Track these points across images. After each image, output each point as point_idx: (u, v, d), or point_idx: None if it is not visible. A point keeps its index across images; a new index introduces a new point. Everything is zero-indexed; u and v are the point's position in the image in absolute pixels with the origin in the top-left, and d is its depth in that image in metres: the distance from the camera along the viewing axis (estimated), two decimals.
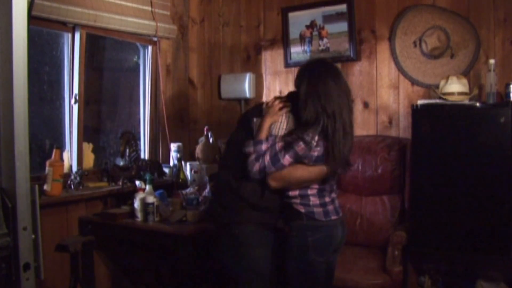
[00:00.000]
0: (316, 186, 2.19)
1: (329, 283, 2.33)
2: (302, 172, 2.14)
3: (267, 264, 2.27)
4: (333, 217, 2.22)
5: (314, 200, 2.18)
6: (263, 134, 2.16)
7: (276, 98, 2.25)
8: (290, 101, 2.24)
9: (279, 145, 2.12)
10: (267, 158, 2.11)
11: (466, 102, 2.92)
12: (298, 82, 2.20)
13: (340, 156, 2.12)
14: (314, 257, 2.18)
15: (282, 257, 2.25)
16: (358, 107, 3.58)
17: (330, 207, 2.22)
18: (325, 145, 2.11)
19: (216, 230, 2.35)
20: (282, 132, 2.17)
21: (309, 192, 2.18)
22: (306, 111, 2.11)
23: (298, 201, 2.19)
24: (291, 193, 2.19)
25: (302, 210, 2.18)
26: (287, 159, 2.10)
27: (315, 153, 2.11)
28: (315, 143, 2.09)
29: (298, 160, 2.12)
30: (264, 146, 2.13)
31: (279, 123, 2.18)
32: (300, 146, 2.09)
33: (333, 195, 2.28)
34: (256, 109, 2.32)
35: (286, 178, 2.14)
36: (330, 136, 2.09)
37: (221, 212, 2.29)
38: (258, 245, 2.25)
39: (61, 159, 3.02)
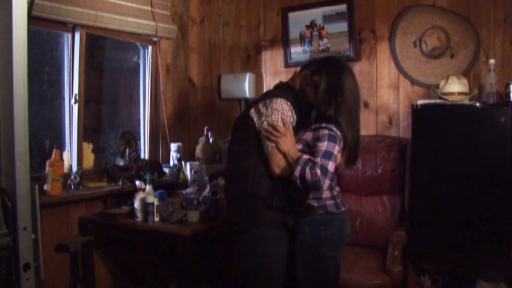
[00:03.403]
0: None
1: (337, 280, 2.34)
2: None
3: (284, 262, 2.29)
4: (343, 209, 2.27)
5: (326, 193, 2.22)
6: (295, 155, 2.12)
7: (272, 125, 2.19)
8: (284, 91, 2.29)
9: (323, 144, 2.11)
10: (318, 160, 2.07)
11: (466, 102, 2.92)
12: (317, 77, 2.21)
13: (352, 147, 2.22)
14: (326, 252, 2.20)
15: (291, 254, 2.27)
16: None
17: (338, 200, 2.27)
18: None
19: (235, 237, 2.35)
20: (293, 123, 2.23)
21: None
22: (328, 106, 2.17)
23: (310, 195, 2.21)
24: None
25: (315, 204, 2.21)
26: (337, 149, 2.13)
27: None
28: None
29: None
30: (305, 156, 2.10)
31: (288, 118, 2.20)
32: (338, 136, 2.15)
33: (337, 188, 2.33)
34: (248, 108, 2.32)
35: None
36: (345, 129, 2.17)
37: (239, 220, 2.29)
38: (276, 243, 2.26)
39: (61, 159, 3.02)
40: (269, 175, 2.20)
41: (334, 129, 2.13)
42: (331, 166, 2.07)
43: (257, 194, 2.22)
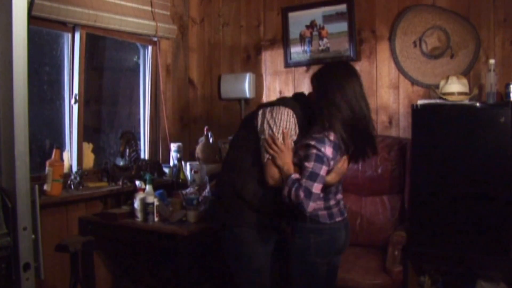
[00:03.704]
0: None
1: (332, 283, 2.34)
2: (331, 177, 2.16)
3: (267, 262, 2.28)
4: (338, 219, 2.22)
5: (319, 204, 2.16)
6: (288, 171, 2.10)
7: (272, 137, 2.17)
8: (296, 101, 2.28)
9: (310, 164, 2.07)
10: (303, 182, 2.05)
11: (466, 102, 2.92)
12: (315, 83, 2.21)
13: (350, 146, 2.16)
14: (315, 259, 2.18)
15: (285, 258, 2.26)
16: None
17: (335, 210, 2.22)
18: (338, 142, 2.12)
19: (218, 231, 2.36)
20: (294, 137, 2.20)
21: None
22: (322, 116, 2.13)
23: None
24: None
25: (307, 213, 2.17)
26: (323, 170, 2.08)
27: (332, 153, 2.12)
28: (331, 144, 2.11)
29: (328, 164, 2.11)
30: (294, 176, 2.08)
31: (289, 130, 2.18)
32: (329, 150, 2.08)
33: (339, 196, 2.28)
34: (258, 108, 2.32)
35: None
36: (339, 133, 2.10)
37: (222, 214, 2.30)
38: (257, 243, 2.26)
39: (61, 159, 3.02)
40: (262, 181, 2.19)
41: (322, 149, 2.08)
42: (316, 188, 2.04)
43: (244, 196, 2.23)
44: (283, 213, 2.26)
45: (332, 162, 2.12)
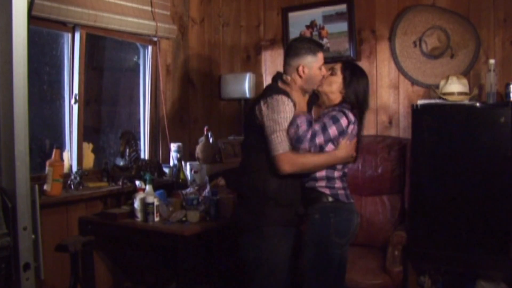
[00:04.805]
0: (340, 168, 2.32)
1: (342, 278, 2.38)
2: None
3: (287, 260, 2.31)
4: (352, 201, 2.35)
5: (338, 183, 2.30)
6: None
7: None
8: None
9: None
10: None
11: (466, 102, 2.92)
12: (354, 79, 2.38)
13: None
14: (334, 239, 2.24)
15: (299, 247, 2.31)
16: None
17: (348, 192, 2.35)
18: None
19: (241, 233, 2.39)
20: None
21: (336, 174, 2.29)
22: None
23: (323, 184, 2.29)
24: (318, 175, 2.28)
25: (328, 192, 2.28)
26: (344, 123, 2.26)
27: None
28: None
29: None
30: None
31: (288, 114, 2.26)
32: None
33: (346, 183, 2.40)
34: (254, 106, 2.35)
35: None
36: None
37: (248, 218, 2.34)
38: (280, 240, 2.29)
39: (61, 159, 3.01)
40: (280, 176, 2.24)
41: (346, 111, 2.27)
42: (318, 137, 2.20)
43: (267, 191, 2.27)
44: (302, 197, 2.34)
45: (352, 126, 2.28)
